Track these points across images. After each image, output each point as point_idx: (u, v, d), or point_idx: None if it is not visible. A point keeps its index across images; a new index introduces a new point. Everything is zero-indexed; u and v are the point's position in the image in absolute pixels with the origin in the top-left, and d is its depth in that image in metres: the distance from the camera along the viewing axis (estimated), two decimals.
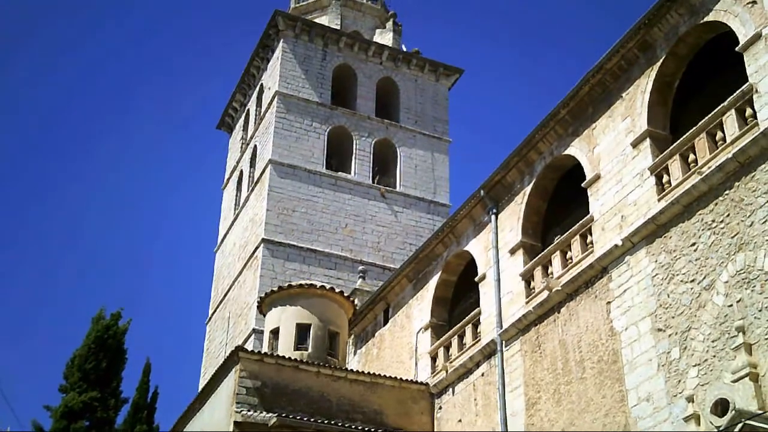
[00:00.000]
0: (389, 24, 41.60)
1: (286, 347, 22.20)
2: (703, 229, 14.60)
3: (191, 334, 72.30)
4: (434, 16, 77.69)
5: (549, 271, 18.32)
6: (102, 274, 74.12)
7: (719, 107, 14.79)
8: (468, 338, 20.79)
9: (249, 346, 29.98)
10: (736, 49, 14.64)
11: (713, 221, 14.43)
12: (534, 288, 18.69)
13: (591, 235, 17.37)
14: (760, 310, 13.13)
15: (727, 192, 14.27)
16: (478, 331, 20.42)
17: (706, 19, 15.47)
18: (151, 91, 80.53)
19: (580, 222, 17.70)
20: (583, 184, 17.85)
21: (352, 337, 26.29)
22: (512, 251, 19.61)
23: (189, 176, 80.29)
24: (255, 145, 37.81)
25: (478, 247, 21.14)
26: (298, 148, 35.61)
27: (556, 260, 18.16)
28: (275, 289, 23.96)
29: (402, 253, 33.93)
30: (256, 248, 33.75)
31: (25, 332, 69.78)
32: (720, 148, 14.67)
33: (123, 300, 75.58)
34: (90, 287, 71.88)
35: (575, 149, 18.35)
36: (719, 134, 14.82)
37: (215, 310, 37.98)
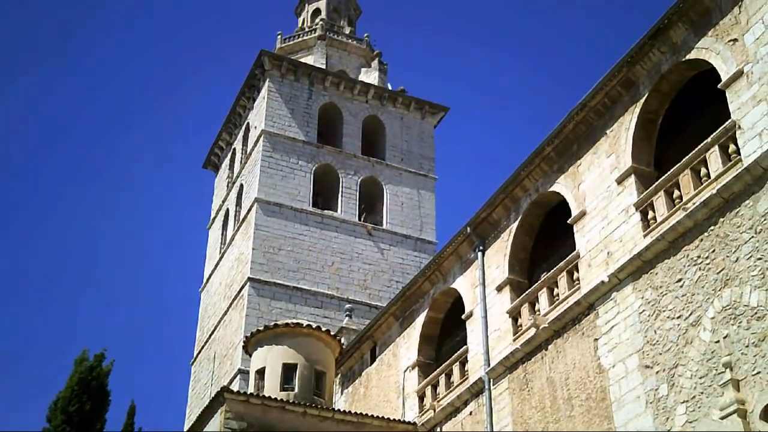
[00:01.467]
0: (375, 63, 41.91)
1: (272, 388, 21.95)
2: (688, 265, 14.61)
3: (176, 375, 71.67)
4: (420, 54, 78.41)
5: (536, 308, 18.27)
6: (85, 315, 73.50)
7: (703, 143, 14.90)
8: (456, 376, 20.65)
9: (235, 387, 29.67)
10: (719, 86, 14.79)
11: (699, 257, 14.45)
12: (521, 325, 18.62)
13: (577, 271, 17.36)
14: (747, 346, 13.10)
15: (712, 228, 14.31)
16: (466, 369, 20.28)
17: (688, 57, 15.64)
18: (137, 130, 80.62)
19: (567, 258, 17.69)
20: (569, 221, 17.88)
21: (339, 376, 26.07)
22: (499, 288, 19.56)
23: (174, 215, 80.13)
24: (241, 184, 37.79)
25: (465, 284, 21.08)
26: (285, 186, 35.60)
27: (543, 297, 18.12)
28: (261, 328, 23.76)
29: (389, 291, 33.81)
30: (242, 287, 33.57)
31: (7, 374, 68.90)
32: (704, 184, 14.75)
33: (106, 341, 74.87)
34: (73, 328, 71.22)
35: (561, 186, 18.41)
36: (703, 170, 14.90)
37: (200, 351, 37.64)
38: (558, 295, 17.74)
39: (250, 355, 23.78)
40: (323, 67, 40.02)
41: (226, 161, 41.34)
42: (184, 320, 74.74)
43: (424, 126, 39.99)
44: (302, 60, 40.05)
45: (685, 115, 16.69)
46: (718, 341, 13.64)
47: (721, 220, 14.14)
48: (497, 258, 19.94)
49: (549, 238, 19.44)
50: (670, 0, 15.70)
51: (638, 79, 16.67)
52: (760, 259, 13.27)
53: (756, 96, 13.94)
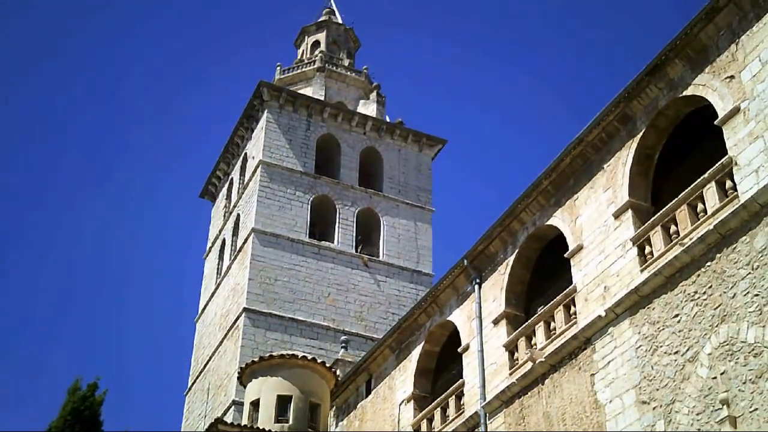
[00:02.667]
0: (373, 95, 42.12)
1: (266, 419, 21.77)
2: (685, 301, 14.60)
3: (170, 406, 71.06)
4: (418, 87, 78.88)
5: (533, 342, 18.21)
6: (79, 343, 73.11)
7: (700, 179, 14.95)
8: (451, 410, 20.51)
9: (229, 418, 29.47)
10: (715, 122, 14.87)
11: (696, 292, 14.44)
12: (518, 359, 18.54)
13: (574, 305, 17.32)
14: (744, 383, 13.05)
15: (709, 263, 14.31)
16: (462, 403, 20.16)
17: (685, 93, 15.74)
18: (135, 159, 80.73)
19: (564, 292, 17.67)
20: (566, 255, 17.88)
21: (334, 408, 25.90)
22: (496, 321, 19.51)
23: (171, 244, 79.96)
24: (238, 214, 37.79)
25: (461, 317, 21.02)
26: (281, 217, 35.61)
27: (540, 331, 18.07)
28: (256, 359, 23.60)
29: (385, 323, 33.70)
30: (238, 317, 33.44)
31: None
32: (701, 220, 14.78)
33: (100, 369, 74.40)
34: (66, 355, 70.79)
35: (558, 220, 18.43)
36: (700, 206, 14.94)
37: (195, 381, 37.40)
38: (555, 329, 17.69)
39: (245, 386, 23.61)
40: (322, 98, 40.21)
41: (224, 191, 41.38)
42: (178, 350, 74.33)
43: (422, 158, 40.12)
44: (301, 91, 40.25)
45: (682, 151, 16.77)
46: (715, 377, 13.59)
47: (718, 255, 14.15)
48: (494, 291, 19.90)
49: (546, 272, 19.42)
50: (667, 36, 15.86)
51: (635, 115, 16.76)
52: (757, 295, 13.26)
53: (753, 133, 14.02)
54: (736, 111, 14.46)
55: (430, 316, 22.34)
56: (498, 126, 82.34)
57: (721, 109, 14.79)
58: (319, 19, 46.41)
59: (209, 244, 41.52)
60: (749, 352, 13.12)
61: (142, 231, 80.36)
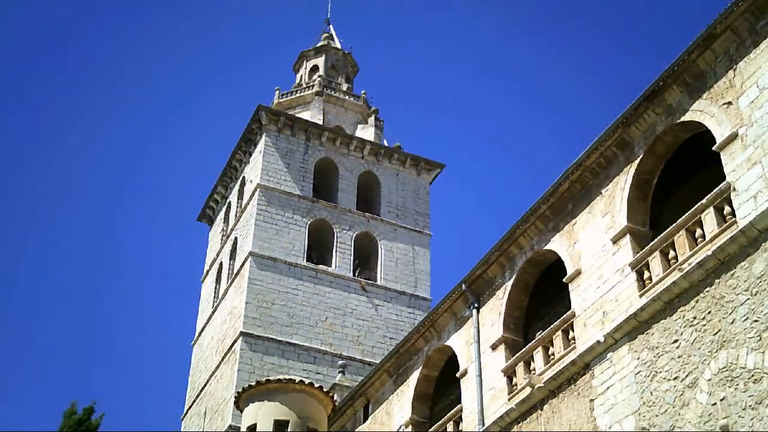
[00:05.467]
0: (371, 119, 42.26)
1: None
2: (684, 326, 14.57)
3: (166, 430, 70.59)
4: (416, 112, 79.14)
5: (531, 367, 18.14)
6: (75, 367, 72.75)
7: (698, 205, 14.97)
8: None
9: None
10: (713, 148, 14.92)
11: (695, 318, 14.42)
12: (516, 384, 18.46)
13: (573, 330, 17.28)
14: (744, 409, 13.01)
15: (707, 289, 14.30)
16: (460, 428, 20.04)
17: (683, 119, 15.80)
18: (134, 181, 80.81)
19: (562, 317, 17.63)
20: (564, 280, 17.86)
21: None
22: (494, 346, 19.44)
23: (168, 268, 79.82)
24: (235, 238, 37.76)
25: (459, 341, 20.95)
26: (279, 240, 35.59)
27: (539, 356, 18.01)
28: (253, 384, 23.43)
29: (383, 348, 33.60)
30: (234, 342, 33.33)
31: None
32: (699, 245, 14.78)
33: (96, 393, 73.99)
34: (62, 380, 70.40)
35: (556, 244, 18.43)
36: (699, 231, 14.95)
37: (191, 406, 37.20)
38: (553, 354, 17.64)
39: (242, 411, 23.47)
40: (320, 122, 40.33)
41: (221, 214, 41.37)
42: (175, 374, 74.08)
43: (420, 182, 40.18)
44: (299, 115, 40.37)
45: (680, 177, 16.81)
46: (715, 403, 13.54)
47: (717, 281, 14.15)
48: (492, 316, 19.85)
49: (544, 297, 19.39)
50: (665, 62, 15.93)
51: (633, 140, 16.82)
52: (756, 321, 13.24)
53: (751, 158, 14.07)
54: (734, 137, 14.52)
55: (428, 341, 22.26)
56: (496, 150, 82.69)
57: (719, 135, 14.84)
58: (318, 44, 46.67)
59: (206, 268, 41.45)
60: (749, 378, 13.08)
61: (139, 254, 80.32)
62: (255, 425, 22.25)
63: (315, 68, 45.18)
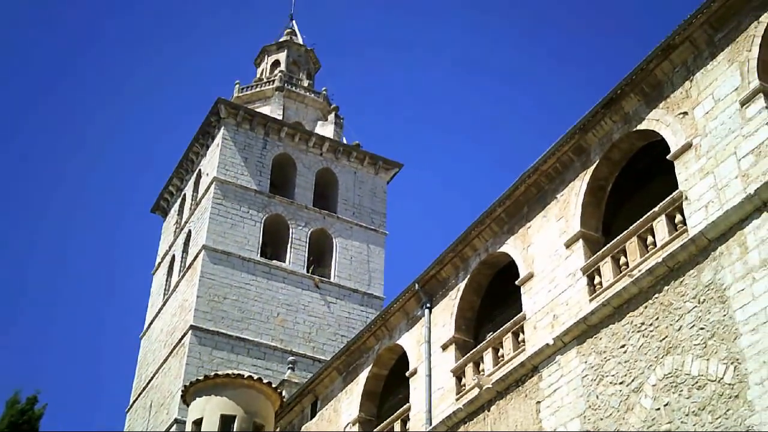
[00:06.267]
0: (331, 117, 42.14)
1: None
2: (632, 332, 14.73)
3: (110, 423, 69.64)
4: (377, 111, 79.13)
5: (480, 368, 18.21)
6: (20, 355, 71.43)
7: (650, 212, 15.15)
8: None
9: None
10: (668, 157, 15.11)
11: (643, 324, 14.58)
12: (465, 385, 18.52)
13: (523, 333, 17.38)
14: (687, 415, 13.18)
15: (656, 295, 14.48)
16: (407, 427, 20.05)
17: (639, 128, 15.98)
18: (87, 171, 79.63)
19: (513, 320, 17.73)
20: (516, 282, 17.96)
21: (278, 430, 25.57)
22: (444, 347, 19.48)
23: (120, 259, 78.81)
24: (189, 230, 37.38)
25: (410, 341, 20.96)
26: (233, 234, 35.30)
27: (488, 357, 18.09)
28: (201, 378, 23.21)
29: (333, 345, 33.50)
30: (184, 335, 32.97)
31: None
32: (650, 252, 14.96)
33: (41, 383, 72.68)
34: (6, 369, 69.07)
35: (510, 247, 18.53)
36: (650, 238, 15.13)
37: (137, 398, 36.73)
38: (503, 355, 17.72)
39: (188, 405, 23.22)
40: (280, 117, 40.10)
41: (176, 207, 40.93)
42: (122, 366, 73.03)
43: (377, 181, 40.16)
44: (259, 110, 40.09)
45: (634, 184, 17.00)
46: (659, 409, 13.70)
47: (666, 288, 14.33)
48: (444, 316, 19.89)
49: (496, 299, 19.49)
50: (624, 71, 16.10)
51: (590, 146, 16.97)
52: (702, 328, 13.44)
53: (704, 168, 14.27)
54: (688, 147, 14.72)
55: (379, 339, 22.24)
56: (455, 152, 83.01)
57: (674, 145, 15.04)
58: (280, 39, 46.40)
59: (158, 260, 40.98)
60: (693, 385, 13.26)
61: (91, 244, 79.16)
62: (201, 419, 21.99)
63: (276, 63, 44.92)
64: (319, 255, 37.19)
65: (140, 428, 34.84)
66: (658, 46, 15.43)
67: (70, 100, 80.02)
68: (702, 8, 14.69)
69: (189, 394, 23.04)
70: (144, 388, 36.05)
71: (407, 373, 20.60)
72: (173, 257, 38.59)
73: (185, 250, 37.37)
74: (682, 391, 13.41)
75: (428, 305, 20.41)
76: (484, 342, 18.51)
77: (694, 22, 14.86)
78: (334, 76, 67.84)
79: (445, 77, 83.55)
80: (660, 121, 15.51)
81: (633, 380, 14.37)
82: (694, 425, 12.99)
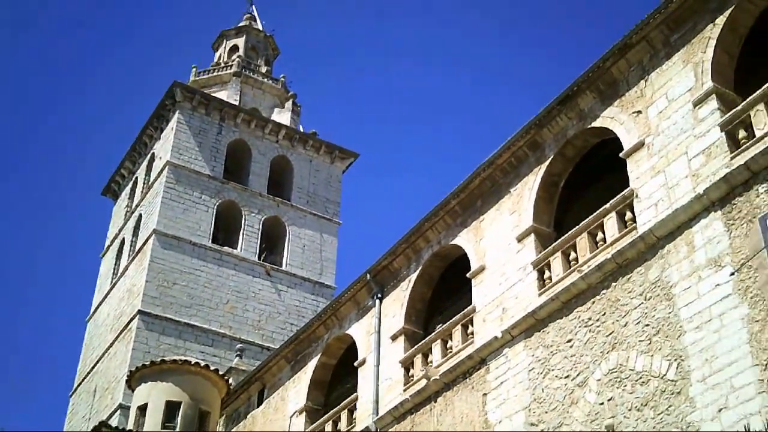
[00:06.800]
0: (288, 104, 41.86)
1: (153, 425, 21.14)
2: (579, 326, 14.85)
3: (53, 406, 68.63)
4: (334, 100, 78.89)
5: (429, 360, 18.24)
6: None
7: (601, 209, 15.28)
8: (343, 424, 20.36)
9: (114, 423, 28.54)
10: (620, 154, 15.24)
11: (590, 319, 14.71)
12: (413, 376, 18.54)
13: (472, 325, 17.44)
14: (629, 410, 13.33)
15: (604, 291, 14.61)
16: (354, 417, 20.03)
17: (593, 125, 16.10)
18: (40, 152, 78.16)
19: (463, 312, 17.77)
20: (468, 275, 18.00)
21: (224, 417, 25.40)
22: (394, 337, 19.48)
23: (68, 241, 77.56)
24: (140, 214, 36.88)
25: (360, 331, 20.93)
26: (185, 220, 34.90)
27: (437, 349, 18.12)
28: (147, 363, 22.95)
29: (283, 333, 33.33)
30: (131, 320, 32.55)
31: None
32: (600, 249, 15.08)
33: None
34: None
35: (462, 240, 18.57)
36: (600, 235, 15.25)
37: (81, 382, 36.18)
38: (451, 347, 17.77)
39: (133, 390, 22.95)
40: (236, 103, 39.74)
41: (127, 190, 40.36)
42: (67, 350, 71.96)
43: (333, 170, 40.02)
44: (215, 95, 39.66)
45: (587, 180, 17.13)
46: (602, 403, 13.84)
47: (614, 284, 14.46)
48: (394, 307, 19.88)
49: (447, 291, 19.53)
50: (581, 68, 16.21)
51: (545, 142, 17.05)
52: (647, 325, 13.59)
53: (655, 167, 14.42)
54: (640, 145, 14.86)
55: (328, 329, 22.17)
56: (411, 143, 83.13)
57: (627, 143, 15.17)
58: (240, 24, 45.97)
59: (107, 243, 40.39)
60: (636, 380, 13.41)
61: (39, 226, 77.73)
62: (146, 405, 21.76)
63: (235, 48, 44.50)
64: (272, 243, 36.96)
65: (83, 413, 34.35)
66: (615, 44, 15.54)
67: (20, 78, 78.47)
68: (659, 9, 14.83)
69: (134, 379, 22.78)
70: (89, 373, 35.54)
71: (356, 363, 20.56)
72: (123, 241, 38.07)
73: (135, 234, 36.88)
74: (625, 386, 13.55)
75: (379, 296, 20.39)
76: (433, 333, 18.54)
77: (651, 22, 15.00)
78: (293, 64, 67.52)
79: (405, 69, 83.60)
80: (614, 119, 15.63)
81: (578, 374, 14.49)
82: (636, 420, 13.14)
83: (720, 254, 12.78)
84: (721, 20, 14.10)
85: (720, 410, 11.87)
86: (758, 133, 12.90)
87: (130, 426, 21.73)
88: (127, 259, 36.49)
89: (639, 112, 15.12)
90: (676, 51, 14.71)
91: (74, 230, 77.79)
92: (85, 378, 35.85)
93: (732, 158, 13.10)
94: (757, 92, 13.08)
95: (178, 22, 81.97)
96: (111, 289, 36.99)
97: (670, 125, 14.41)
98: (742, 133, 13.17)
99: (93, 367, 35.23)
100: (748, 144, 12.97)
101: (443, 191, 19.11)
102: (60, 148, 79.34)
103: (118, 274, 36.75)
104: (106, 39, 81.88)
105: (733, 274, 12.37)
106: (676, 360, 12.86)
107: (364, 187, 74.68)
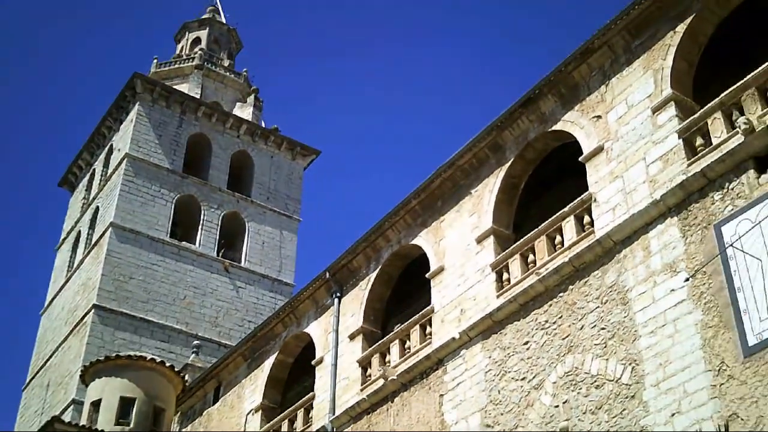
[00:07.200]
0: (250, 99, 41.59)
1: (106, 421, 20.89)
2: (536, 329, 14.93)
3: (6, 400, 67.50)
4: (298, 97, 78.55)
5: (387, 360, 18.22)
6: None
7: (560, 212, 15.37)
8: (299, 423, 20.28)
9: (67, 418, 28.15)
10: (580, 159, 15.34)
11: (547, 322, 14.79)
12: (370, 375, 18.52)
13: (431, 326, 17.45)
14: (584, 413, 13.42)
15: (561, 294, 14.70)
16: (310, 416, 19.96)
17: (554, 128, 16.18)
18: None
19: (421, 312, 17.78)
20: (427, 275, 18.01)
21: (179, 414, 25.17)
22: (352, 336, 19.44)
23: (23, 233, 76.29)
24: (97, 207, 36.40)
25: (318, 329, 20.85)
26: (143, 213, 34.52)
27: (395, 349, 18.11)
28: (101, 358, 22.68)
29: (240, 330, 33.13)
30: (86, 314, 32.12)
31: None
32: (558, 252, 15.17)
33: None
34: None
35: (422, 240, 18.57)
36: (558, 238, 15.34)
37: (34, 377, 35.64)
38: (409, 348, 17.77)
39: (87, 386, 22.65)
40: (197, 96, 39.37)
41: (84, 182, 39.81)
42: (20, 343, 70.80)
43: (294, 167, 39.84)
44: (177, 87, 39.25)
45: (547, 183, 17.22)
46: (557, 406, 13.92)
47: (571, 287, 14.55)
48: (353, 306, 19.84)
49: (407, 291, 19.52)
50: (544, 71, 16.29)
51: (506, 144, 17.11)
52: (603, 329, 13.70)
53: (613, 172, 14.54)
54: (599, 150, 14.96)
55: (286, 327, 22.07)
56: (374, 142, 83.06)
57: (587, 147, 15.27)
58: (203, 16, 45.57)
59: (63, 236, 39.82)
60: (591, 384, 13.51)
61: None
62: (100, 401, 21.49)
63: (197, 41, 44.10)
64: (231, 238, 36.69)
65: (36, 408, 33.84)
66: (577, 49, 15.63)
67: None
68: (621, 15, 14.94)
69: (88, 374, 22.49)
70: (42, 367, 35.01)
71: (313, 362, 20.49)
72: (79, 233, 37.56)
73: (92, 227, 36.40)
74: (581, 389, 13.65)
75: (338, 294, 20.33)
76: (391, 333, 18.53)
77: (613, 27, 15.10)
78: (256, 58, 66.98)
79: (369, 68, 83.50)
80: (575, 123, 15.73)
81: (534, 377, 14.57)
82: (590, 423, 13.24)
83: (675, 260, 12.92)
84: (681, 28, 14.25)
85: (673, 414, 12.01)
86: (715, 141, 13.06)
87: (83, 422, 21.44)
88: (83, 252, 36.00)
89: (599, 116, 15.23)
90: (637, 57, 14.83)
91: (29, 221, 76.60)
92: (38, 372, 35.32)
93: (689, 165, 13.24)
94: (715, 101, 13.23)
95: (140, 12, 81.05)
96: (66, 282, 36.48)
97: (629, 131, 14.53)
98: (699, 141, 13.32)
99: (46, 362, 34.72)
100: (704, 151, 13.12)
101: (404, 191, 19.14)
102: (17, 138, 78.06)
103: (74, 267, 36.25)
104: (66, 28, 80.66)
105: (687, 279, 12.50)
106: (630, 364, 12.98)
107: (325, 185, 74.64)
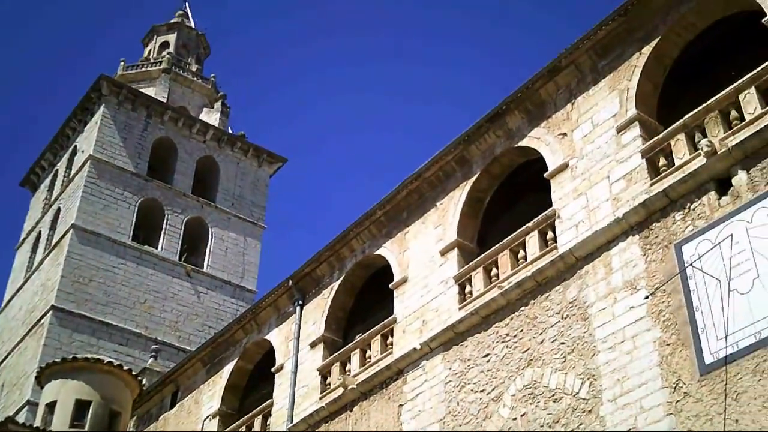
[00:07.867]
0: (218, 105, 41.49)
1: (61, 423, 20.60)
2: (497, 342, 15.05)
3: None
4: (265, 104, 78.39)
5: (347, 369, 18.24)
6: None
7: (524, 227, 15.53)
8: (257, 430, 20.19)
9: (21, 419, 27.77)
10: (545, 175, 15.54)
11: (507, 335, 14.92)
12: (330, 384, 18.51)
13: (392, 336, 17.50)
14: (541, 426, 13.55)
15: (523, 308, 14.84)
16: (268, 423, 19.89)
17: (520, 144, 16.37)
18: None
19: (383, 322, 17.83)
20: (390, 285, 18.07)
21: (135, 418, 24.93)
22: (313, 344, 19.43)
23: None
24: (59, 208, 36.02)
25: (279, 337, 20.81)
26: (105, 216, 34.22)
27: (356, 358, 18.14)
28: (58, 360, 22.40)
29: (200, 336, 32.93)
30: (44, 315, 31.74)
31: None
32: (521, 266, 15.33)
33: None
34: None
35: (386, 250, 18.64)
36: (521, 252, 15.50)
37: None
38: (370, 357, 17.80)
39: (43, 387, 22.38)
40: (164, 100, 39.19)
41: (46, 182, 39.38)
42: None
43: (260, 174, 39.76)
44: (143, 90, 39.06)
45: (512, 198, 17.40)
46: (515, 418, 14.03)
47: (533, 302, 14.71)
48: (315, 314, 19.84)
49: (369, 301, 19.56)
50: (512, 87, 16.49)
51: (472, 158, 17.26)
52: (563, 343, 13.85)
53: (577, 189, 14.74)
54: (564, 167, 15.17)
55: (247, 333, 21.99)
56: (341, 152, 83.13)
57: (552, 163, 15.47)
58: (171, 20, 45.42)
59: (23, 236, 39.33)
60: (549, 397, 13.65)
61: None
62: (55, 403, 21.20)
63: (165, 44, 43.92)
64: (194, 244, 36.50)
65: None
66: (545, 67, 15.85)
67: None
68: (588, 35, 15.19)
69: (44, 376, 22.19)
70: None
71: (273, 369, 20.44)
72: (39, 234, 37.13)
73: (53, 228, 36.01)
74: (539, 402, 13.78)
75: (300, 302, 20.31)
76: (352, 342, 18.55)
77: (581, 47, 15.35)
78: (225, 65, 66.89)
79: (338, 76, 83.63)
80: (540, 139, 15.93)
81: (494, 389, 14.68)
82: None
83: (636, 277, 13.12)
84: (647, 50, 14.52)
85: (629, 430, 12.17)
86: (677, 162, 13.31)
87: (37, 423, 21.15)
88: (43, 252, 35.60)
89: (564, 134, 15.44)
90: (603, 77, 15.08)
91: None
92: None
93: (651, 185, 13.48)
94: (679, 122, 13.50)
95: (108, 14, 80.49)
96: (25, 282, 36.03)
97: (593, 149, 14.75)
98: (662, 161, 13.56)
99: (2, 362, 34.25)
100: (667, 171, 13.37)
101: (370, 201, 19.21)
102: None
103: (33, 268, 35.83)
104: (33, 27, 79.78)
105: (647, 297, 12.71)
106: (588, 379, 13.14)
107: (291, 193, 74.44)
